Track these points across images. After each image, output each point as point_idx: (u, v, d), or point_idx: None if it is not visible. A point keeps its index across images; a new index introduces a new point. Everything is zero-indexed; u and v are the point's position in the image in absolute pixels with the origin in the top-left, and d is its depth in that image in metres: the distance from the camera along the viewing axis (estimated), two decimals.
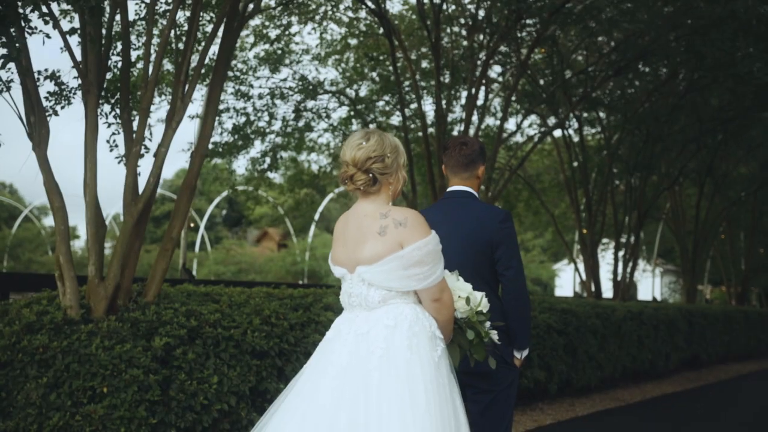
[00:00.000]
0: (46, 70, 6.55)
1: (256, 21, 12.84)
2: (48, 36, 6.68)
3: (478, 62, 12.55)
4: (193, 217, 47.97)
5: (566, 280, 49.58)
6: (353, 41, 14.50)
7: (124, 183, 6.44)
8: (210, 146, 14.47)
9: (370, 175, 3.70)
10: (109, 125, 7.27)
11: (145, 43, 6.47)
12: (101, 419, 5.66)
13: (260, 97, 13.51)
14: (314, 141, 15.59)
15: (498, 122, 16.33)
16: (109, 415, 5.68)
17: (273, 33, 13.04)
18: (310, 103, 14.29)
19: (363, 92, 15.13)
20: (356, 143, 3.72)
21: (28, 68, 6.18)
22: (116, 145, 7.21)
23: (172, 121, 6.55)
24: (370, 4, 12.30)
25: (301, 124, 14.55)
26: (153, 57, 6.50)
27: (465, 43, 13.40)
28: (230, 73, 12.48)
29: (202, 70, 9.85)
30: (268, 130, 14.25)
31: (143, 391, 5.84)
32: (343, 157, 3.75)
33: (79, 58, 6.43)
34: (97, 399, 5.74)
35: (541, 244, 52.98)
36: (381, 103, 15.15)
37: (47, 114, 6.82)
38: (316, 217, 42.22)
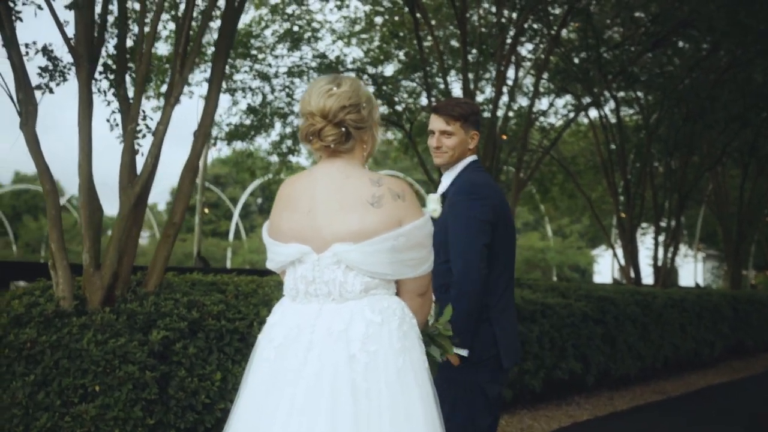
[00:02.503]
0: (34, 43, 6.10)
1: None
2: (39, 7, 6.24)
3: (508, 39, 11.92)
4: (228, 205, 47.78)
5: (605, 267, 48.64)
6: (378, 19, 13.93)
7: (120, 163, 5.95)
8: (226, 128, 14.08)
9: (343, 129, 2.99)
10: (108, 103, 6.81)
11: (139, 12, 5.96)
12: (93, 420, 5.21)
13: (276, 75, 12.96)
14: None
15: (533, 103, 15.68)
16: (102, 416, 5.23)
17: (291, 9, 12.54)
18: None
19: (389, 72, 14.59)
20: (325, 89, 2.99)
21: (12, 39, 5.72)
22: (117, 124, 6.75)
23: (171, 97, 6.05)
24: None
25: None
26: (147, 28, 5.99)
27: (494, 19, 12.81)
28: (244, 50, 11.98)
29: (206, 44, 9.42)
30: (287, 111, 13.74)
31: (139, 390, 5.37)
32: (307, 108, 3.02)
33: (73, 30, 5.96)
34: (88, 398, 5.29)
35: (578, 229, 52.11)
36: (407, 83, 14.56)
37: (42, 91, 6.40)
38: None
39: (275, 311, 3.09)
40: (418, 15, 12.29)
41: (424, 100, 14.47)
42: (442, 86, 13.23)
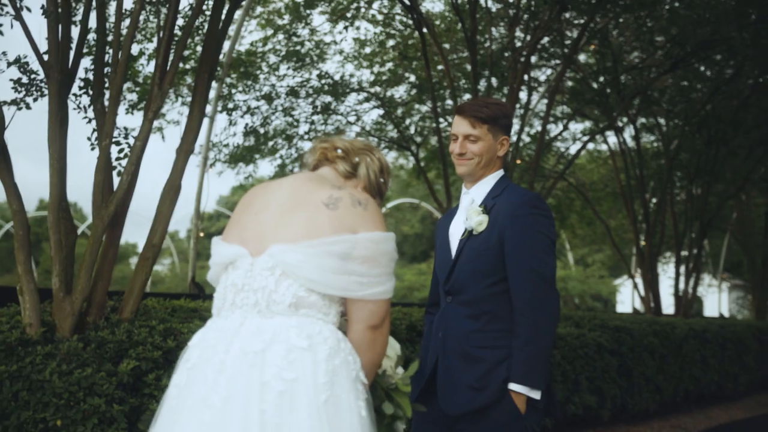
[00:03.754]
0: (4, 53, 5.76)
1: (261, 8, 12.06)
2: (17, 18, 5.91)
3: (521, 59, 11.54)
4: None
5: (627, 296, 47.85)
6: (390, 42, 13.59)
7: (93, 182, 5.59)
8: (225, 150, 13.73)
9: (356, 159, 2.81)
10: (89, 120, 6.47)
11: (114, 20, 5.62)
12: None
13: (276, 96, 12.59)
14: None
15: (546, 125, 15.24)
16: None
17: (299, 31, 12.22)
18: (340, 106, 13.37)
19: (401, 94, 14.20)
20: (354, 137, 2.91)
21: None
22: (96, 142, 6.40)
23: (149, 111, 5.68)
24: None
25: (330, 128, 13.66)
26: (123, 36, 5.64)
27: (505, 39, 12.46)
28: (245, 70, 11.66)
29: (187, 56, 9.07)
30: (291, 132, 13.36)
31: (105, 425, 4.97)
32: (327, 143, 2.91)
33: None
34: None
35: (601, 258, 51.33)
36: (419, 106, 14.19)
37: (17, 107, 6.07)
38: None
39: (198, 331, 2.68)
40: (428, 36, 11.96)
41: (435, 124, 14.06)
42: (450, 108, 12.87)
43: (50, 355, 5.12)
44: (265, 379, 2.36)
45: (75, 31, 6.07)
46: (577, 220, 20.08)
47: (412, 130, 14.32)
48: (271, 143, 13.39)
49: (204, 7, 6.54)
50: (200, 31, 7.76)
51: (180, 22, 6.36)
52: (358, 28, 13.37)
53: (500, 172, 3.74)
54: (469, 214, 3.60)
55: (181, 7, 6.25)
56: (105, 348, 5.25)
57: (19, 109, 6.14)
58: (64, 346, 5.16)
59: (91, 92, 6.22)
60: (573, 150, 17.52)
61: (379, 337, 2.65)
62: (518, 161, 13.55)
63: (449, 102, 13.05)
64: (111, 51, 5.74)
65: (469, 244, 3.56)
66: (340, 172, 2.82)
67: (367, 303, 2.58)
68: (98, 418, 4.93)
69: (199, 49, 8.54)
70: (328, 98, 13.08)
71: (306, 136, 13.53)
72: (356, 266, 2.53)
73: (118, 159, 6.09)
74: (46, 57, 5.56)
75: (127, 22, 5.73)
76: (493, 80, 12.74)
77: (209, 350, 2.49)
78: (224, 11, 6.25)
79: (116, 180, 5.75)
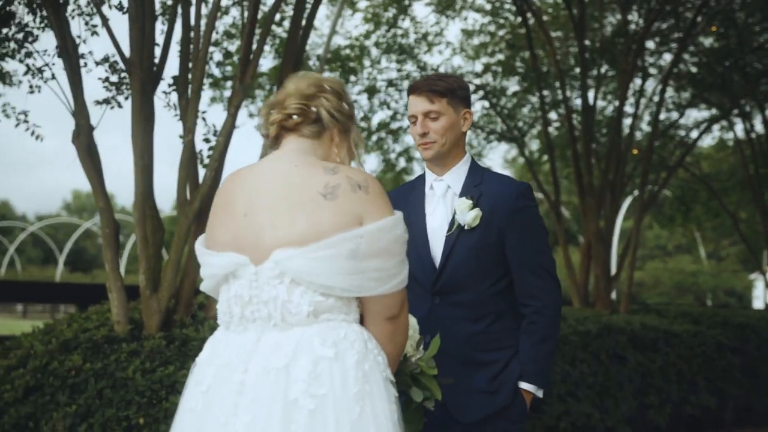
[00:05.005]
0: (90, 53, 5.80)
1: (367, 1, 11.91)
2: (103, 20, 5.95)
3: (633, 45, 11.03)
4: None
5: (763, 291, 45.69)
6: (501, 32, 13.24)
7: (177, 179, 5.56)
8: None
9: (314, 109, 2.45)
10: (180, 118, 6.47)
11: (195, 15, 5.56)
12: None
13: (378, 90, 12.38)
14: None
15: (668, 114, 14.57)
16: None
17: (403, 22, 12.05)
18: None
19: (511, 85, 13.82)
20: (301, 74, 2.52)
21: (65, 47, 5.45)
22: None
23: (231, 107, 5.62)
24: None
25: None
26: (203, 30, 5.58)
27: (615, 24, 11.96)
28: (344, 63, 11.54)
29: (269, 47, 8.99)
30: (395, 126, 13.18)
31: None
32: (278, 97, 2.52)
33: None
34: (133, 431, 4.86)
35: (735, 252, 49.24)
36: (531, 98, 13.77)
37: (110, 105, 6.13)
38: None
39: (206, 346, 2.45)
40: (531, 20, 11.58)
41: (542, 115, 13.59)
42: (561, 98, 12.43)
43: (135, 353, 5.12)
44: (292, 397, 2.16)
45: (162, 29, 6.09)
46: (703, 212, 19.15)
47: (520, 122, 13.89)
48: (374, 137, 13.25)
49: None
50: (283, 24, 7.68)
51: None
52: (465, 19, 13.09)
53: (468, 157, 3.38)
54: (458, 208, 3.23)
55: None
56: (189, 346, 5.21)
57: (111, 108, 6.20)
58: (149, 344, 5.15)
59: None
60: (693, 136, 16.71)
61: (399, 327, 2.44)
62: (634, 151, 12.96)
63: (559, 90, 12.56)
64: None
65: (461, 241, 3.20)
66: (309, 136, 2.49)
67: (382, 297, 2.36)
68: None
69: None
70: None
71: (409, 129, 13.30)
72: (369, 262, 2.28)
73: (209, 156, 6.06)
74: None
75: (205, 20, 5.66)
76: (603, 68, 12.24)
77: (225, 370, 2.28)
78: (309, 2, 6.14)
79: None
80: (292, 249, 2.26)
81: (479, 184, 3.27)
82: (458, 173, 3.33)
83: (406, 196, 3.44)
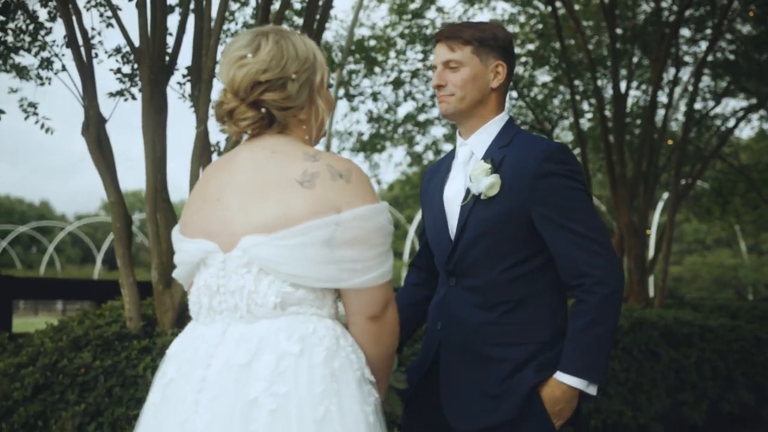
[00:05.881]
0: (101, 43, 5.69)
1: None
2: (118, 8, 5.83)
3: (666, 30, 10.74)
4: (402, 224, 47.68)
5: None
6: (523, 18, 12.99)
7: (190, 170, 5.42)
8: (350, 138, 13.50)
9: (262, 110, 2.20)
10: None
11: (205, 3, 5.41)
12: None
13: (402, 82, 12.14)
14: None
15: (705, 103, 14.21)
16: None
17: (427, 12, 11.85)
18: None
19: (542, 76, 13.58)
20: (236, 56, 2.19)
21: (72, 38, 5.33)
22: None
23: None
24: None
25: None
26: (215, 16, 5.43)
27: (647, 10, 11.67)
28: (363, 54, 11.35)
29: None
30: (423, 119, 12.95)
31: None
32: (220, 78, 2.25)
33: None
34: None
35: None
36: (562, 88, 13.50)
37: (124, 98, 6.03)
38: None
39: (176, 339, 2.30)
40: (561, 10, 11.33)
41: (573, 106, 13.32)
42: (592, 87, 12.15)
43: (146, 350, 4.99)
44: (252, 395, 2.00)
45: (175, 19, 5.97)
46: (741, 204, 18.73)
47: (550, 113, 13.64)
48: (401, 130, 13.04)
49: None
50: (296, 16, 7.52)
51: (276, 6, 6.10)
52: (494, 9, 12.88)
53: (504, 116, 2.84)
54: (473, 174, 2.71)
55: None
56: None
57: (125, 100, 6.09)
58: (160, 341, 5.02)
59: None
60: (737, 130, 16.33)
61: (385, 327, 2.21)
62: (669, 142, 12.67)
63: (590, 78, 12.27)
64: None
65: (476, 213, 2.67)
66: (276, 132, 2.25)
67: (361, 292, 2.15)
68: None
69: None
70: None
71: (437, 122, 13.11)
72: (345, 251, 2.08)
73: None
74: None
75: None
76: (636, 57, 11.95)
77: (187, 364, 2.12)
78: None
79: None
80: (260, 236, 2.08)
81: (505, 146, 2.76)
82: (485, 135, 2.82)
83: (438, 169, 3.03)
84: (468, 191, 2.75)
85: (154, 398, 2.16)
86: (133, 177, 28.32)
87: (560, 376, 2.60)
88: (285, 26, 2.46)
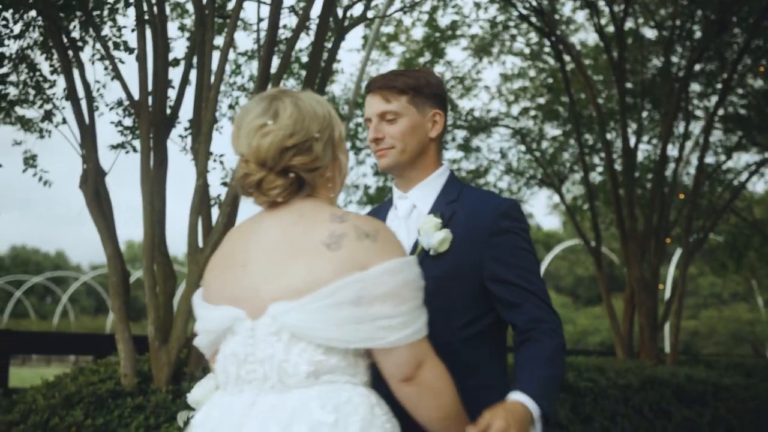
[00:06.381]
0: (101, 96, 5.68)
1: (402, 47, 11.76)
2: (120, 61, 5.83)
3: (675, 84, 10.71)
4: None
5: None
6: (542, 76, 12.98)
7: (188, 224, 5.36)
8: (356, 191, 13.46)
9: (291, 175, 2.12)
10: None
11: (206, 53, 5.40)
12: None
13: None
14: (493, 185, 14.02)
15: (717, 157, 14.13)
16: None
17: (436, 67, 11.87)
18: (476, 142, 12.82)
19: (550, 130, 13.54)
20: (256, 125, 2.11)
21: (72, 91, 5.34)
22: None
23: None
24: (535, 20, 10.88)
25: (471, 166, 13.13)
26: (215, 69, 5.41)
27: (656, 65, 11.66)
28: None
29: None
30: None
31: None
32: (238, 149, 2.17)
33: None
34: None
35: None
36: (572, 142, 13.46)
37: (125, 150, 6.02)
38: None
39: (202, 408, 2.23)
40: (570, 65, 11.35)
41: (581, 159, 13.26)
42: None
43: (140, 408, 4.89)
44: None
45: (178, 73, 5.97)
46: (757, 258, 18.55)
47: (558, 166, 13.58)
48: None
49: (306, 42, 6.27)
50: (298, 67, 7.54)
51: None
52: (504, 63, 12.89)
53: (445, 170, 2.75)
54: (423, 228, 2.58)
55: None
56: None
57: (127, 152, 6.08)
58: (154, 398, 4.92)
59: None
60: (750, 184, 16.21)
61: (422, 389, 2.09)
62: (680, 195, 12.56)
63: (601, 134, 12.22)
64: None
65: (425, 270, 2.33)
66: (304, 195, 2.20)
67: (388, 354, 2.06)
68: None
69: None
70: (463, 133, 12.61)
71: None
72: (377, 308, 2.00)
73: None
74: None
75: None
76: (646, 111, 11.92)
77: None
78: (329, 43, 5.97)
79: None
80: (289, 302, 2.02)
81: (453, 202, 2.64)
82: (428, 189, 2.70)
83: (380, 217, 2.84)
84: (416, 245, 2.61)
85: None
86: (137, 228, 28.42)
87: (518, 395, 2.34)
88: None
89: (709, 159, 13.78)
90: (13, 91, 5.93)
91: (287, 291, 2.03)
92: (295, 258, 2.06)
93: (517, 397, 2.31)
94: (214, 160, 5.83)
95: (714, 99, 12.62)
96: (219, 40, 6.56)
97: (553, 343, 2.46)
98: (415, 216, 2.68)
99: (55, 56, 5.75)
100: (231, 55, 6.20)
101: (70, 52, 5.49)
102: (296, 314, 2.01)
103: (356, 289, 1.99)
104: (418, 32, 12.09)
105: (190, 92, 5.91)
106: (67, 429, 4.77)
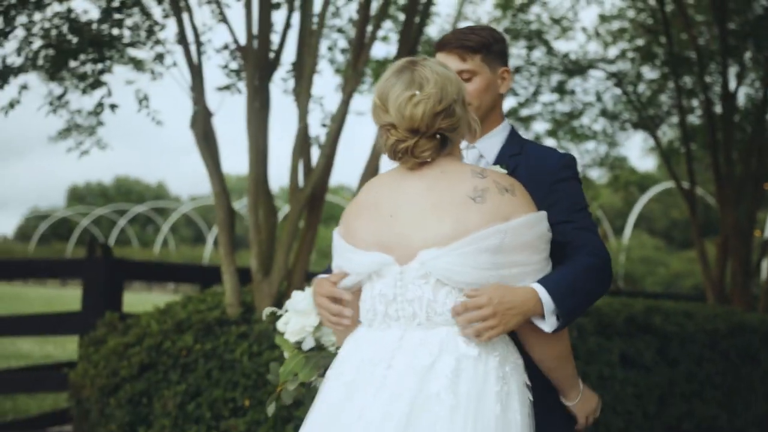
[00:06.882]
0: (210, 41, 5.96)
1: None
2: (225, 5, 6.07)
3: None
4: None
5: None
6: (631, 13, 12.75)
7: (290, 166, 5.62)
8: None
9: (438, 136, 2.38)
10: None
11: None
12: None
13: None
14: (588, 127, 13.92)
15: None
16: None
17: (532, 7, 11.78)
18: (571, 85, 12.70)
19: (650, 74, 13.31)
20: (406, 96, 2.34)
21: (182, 34, 5.61)
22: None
23: (344, 93, 5.64)
24: None
25: (566, 108, 13.05)
26: (317, 14, 5.61)
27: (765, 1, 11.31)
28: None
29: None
30: (526, 115, 12.86)
31: (293, 407, 4.96)
32: (385, 118, 2.39)
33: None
34: (239, 412, 4.97)
35: None
36: (670, 84, 13.22)
37: (230, 92, 6.29)
38: (633, 218, 39.55)
39: (346, 342, 2.51)
40: (669, 5, 11.13)
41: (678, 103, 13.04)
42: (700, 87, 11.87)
43: (243, 336, 5.23)
44: (434, 391, 2.21)
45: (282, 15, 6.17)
46: None
47: (654, 109, 13.32)
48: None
49: None
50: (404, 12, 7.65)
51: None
52: (602, 3, 12.67)
53: (507, 124, 2.90)
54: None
55: None
56: None
57: (232, 94, 6.34)
58: (257, 327, 5.25)
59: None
60: None
61: (555, 341, 2.48)
62: None
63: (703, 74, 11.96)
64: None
65: None
66: (445, 153, 2.45)
67: None
68: None
69: None
70: (560, 77, 12.50)
71: (539, 117, 13.01)
72: (514, 257, 2.32)
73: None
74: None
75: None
76: (747, 54, 11.61)
77: (367, 365, 2.34)
78: None
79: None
80: (438, 249, 2.29)
81: (517, 155, 2.79)
82: (494, 141, 2.86)
83: None
84: None
85: (336, 395, 2.36)
86: (237, 164, 29.09)
87: (533, 284, 2.42)
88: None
89: None
90: (126, 33, 6.23)
91: (436, 238, 2.30)
92: (442, 210, 2.32)
93: (532, 284, 2.41)
94: (314, 102, 6.03)
95: None
96: None
97: (589, 260, 2.55)
98: (483, 164, 2.80)
99: (167, 0, 6.01)
100: None
101: None
102: (445, 259, 2.28)
103: (498, 239, 2.28)
104: None
105: (292, 36, 6.12)
106: (179, 352, 5.16)
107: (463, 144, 2.81)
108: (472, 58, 2.77)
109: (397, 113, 2.35)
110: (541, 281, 2.41)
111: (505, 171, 2.67)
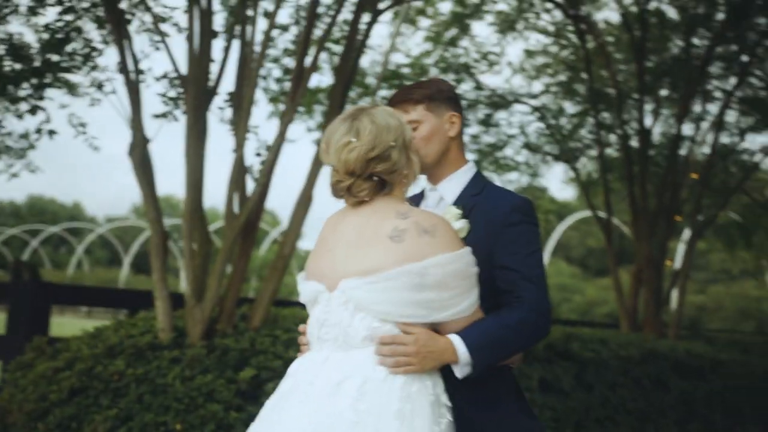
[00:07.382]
0: (149, 69, 6.05)
1: (426, 23, 12.01)
2: (165, 34, 6.17)
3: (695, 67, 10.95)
4: None
5: None
6: (555, 49, 13.20)
7: (227, 193, 5.74)
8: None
9: (375, 179, 2.64)
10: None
11: (249, 30, 5.74)
12: None
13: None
14: (511, 159, 14.28)
15: (732, 138, 14.29)
16: None
17: (461, 42, 12.10)
18: (497, 117, 13.07)
19: (570, 107, 13.77)
20: (342, 142, 2.62)
21: (123, 63, 5.70)
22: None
23: (281, 124, 5.79)
24: None
25: (491, 139, 13.40)
26: (259, 44, 5.76)
27: (679, 41, 11.85)
28: (398, 81, 11.61)
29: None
30: None
31: (223, 430, 5.06)
32: (328, 161, 2.69)
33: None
34: None
35: None
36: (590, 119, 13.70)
37: (167, 120, 6.39)
38: (551, 245, 40.25)
39: (294, 362, 2.78)
40: (590, 42, 11.59)
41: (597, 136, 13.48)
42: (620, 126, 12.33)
43: (176, 360, 5.30)
44: (339, 409, 2.45)
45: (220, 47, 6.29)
46: (766, 237, 18.77)
47: (574, 142, 13.80)
48: None
49: (343, 20, 6.59)
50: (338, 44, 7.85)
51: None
52: (527, 39, 13.10)
53: (472, 166, 3.04)
54: (444, 218, 2.81)
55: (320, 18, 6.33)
56: (228, 355, 5.37)
57: (168, 121, 6.43)
58: (190, 352, 5.32)
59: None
60: (764, 165, 16.36)
61: None
62: (695, 175, 12.82)
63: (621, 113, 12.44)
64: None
65: None
66: (385, 193, 2.70)
67: (446, 324, 2.63)
68: (216, 423, 5.02)
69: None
70: (486, 111, 12.86)
71: (466, 148, 13.27)
72: (427, 293, 2.55)
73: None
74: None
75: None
76: (663, 92, 12.16)
77: (300, 381, 2.60)
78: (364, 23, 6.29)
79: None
80: (356, 279, 2.55)
81: (476, 195, 2.93)
82: (455, 182, 2.99)
83: None
84: None
85: (274, 401, 2.66)
86: (165, 184, 28.82)
87: (453, 336, 2.64)
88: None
89: (724, 139, 13.98)
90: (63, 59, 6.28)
91: (357, 271, 2.57)
92: (366, 246, 2.59)
93: (452, 336, 2.64)
94: (248, 131, 6.16)
95: (732, 81, 12.84)
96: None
97: (521, 315, 2.71)
98: (442, 207, 2.98)
99: (106, 28, 6.09)
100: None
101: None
102: (363, 290, 2.54)
103: (411, 277, 2.52)
104: (446, 6, 12.32)
105: (230, 65, 6.25)
106: (110, 376, 5.20)
107: (429, 186, 3.05)
108: (414, 109, 2.98)
109: (335, 156, 2.64)
110: (463, 334, 2.63)
111: (460, 212, 2.87)
